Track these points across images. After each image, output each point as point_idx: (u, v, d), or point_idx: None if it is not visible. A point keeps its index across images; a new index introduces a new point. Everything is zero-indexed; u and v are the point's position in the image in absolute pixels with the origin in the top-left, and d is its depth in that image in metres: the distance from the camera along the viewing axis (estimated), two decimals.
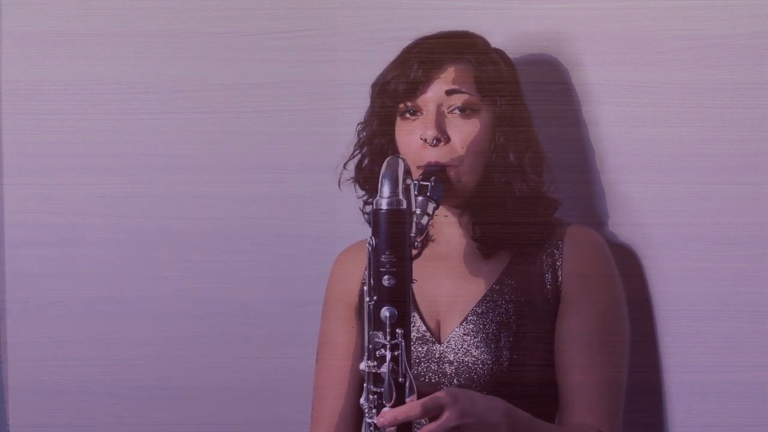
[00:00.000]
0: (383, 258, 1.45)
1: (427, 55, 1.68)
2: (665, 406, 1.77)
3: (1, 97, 1.99)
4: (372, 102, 1.75)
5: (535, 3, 1.85)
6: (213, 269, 2.02)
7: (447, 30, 1.74)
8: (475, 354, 1.66)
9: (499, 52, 1.74)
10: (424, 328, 1.71)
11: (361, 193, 1.80)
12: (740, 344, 1.70)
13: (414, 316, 1.71)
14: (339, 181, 1.80)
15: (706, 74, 1.71)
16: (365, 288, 1.48)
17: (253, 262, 2.02)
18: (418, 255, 1.76)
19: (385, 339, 1.45)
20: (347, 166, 1.79)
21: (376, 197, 1.48)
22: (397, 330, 1.45)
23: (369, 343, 1.46)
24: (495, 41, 1.80)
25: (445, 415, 1.42)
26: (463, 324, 1.69)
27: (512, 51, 1.85)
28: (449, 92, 1.66)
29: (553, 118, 1.84)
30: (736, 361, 1.71)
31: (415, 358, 1.69)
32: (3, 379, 2.00)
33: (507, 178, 1.68)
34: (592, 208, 1.82)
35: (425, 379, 1.68)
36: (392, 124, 1.72)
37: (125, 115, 2.00)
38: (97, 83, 2.00)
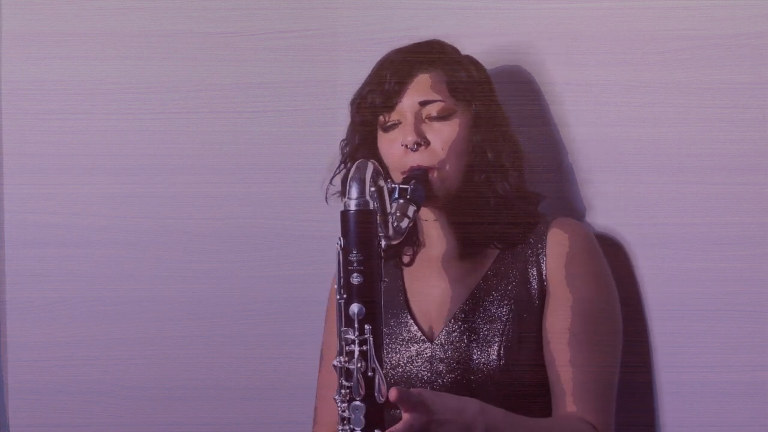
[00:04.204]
0: (351, 257, 1.48)
1: (398, 66, 1.71)
2: (665, 407, 1.77)
3: (1, 97, 1.99)
4: (352, 118, 1.77)
5: (534, 3, 1.85)
6: (213, 269, 2.02)
7: (434, 35, 1.76)
8: (465, 353, 1.68)
9: (469, 57, 1.77)
10: (415, 328, 1.73)
11: None
12: (740, 344, 1.70)
13: (407, 319, 1.74)
14: (326, 196, 1.81)
15: (706, 74, 1.71)
16: (335, 287, 1.50)
17: (253, 262, 2.02)
18: (411, 262, 1.79)
19: (354, 335, 1.47)
20: (333, 181, 1.80)
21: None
22: (366, 326, 1.47)
23: (340, 339, 1.48)
24: (495, 41, 1.81)
25: (408, 417, 1.44)
26: (451, 322, 1.71)
27: (512, 51, 1.85)
28: (423, 103, 1.69)
29: (552, 118, 1.84)
30: (736, 361, 1.71)
31: (409, 358, 1.71)
32: (3, 379, 2.00)
33: (487, 177, 1.71)
34: (591, 209, 1.82)
35: (417, 377, 1.70)
36: (374, 138, 1.75)
37: (125, 115, 2.00)
38: (97, 83, 2.00)
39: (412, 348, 1.72)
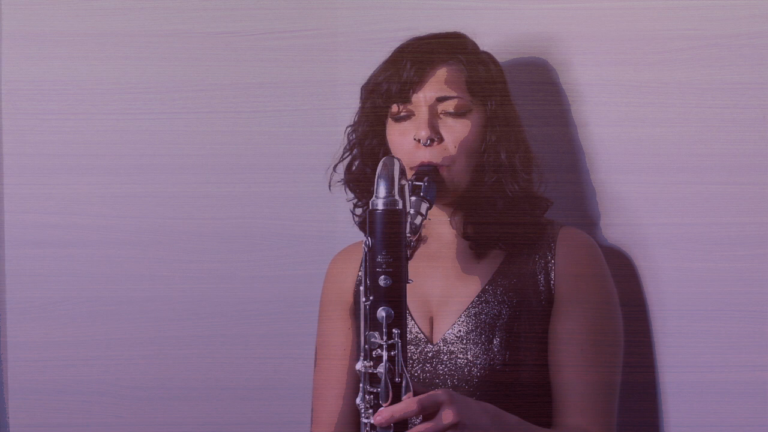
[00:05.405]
0: (379, 258, 1.45)
1: (419, 56, 1.68)
2: (666, 407, 1.77)
3: (1, 97, 1.99)
4: (363, 103, 1.76)
5: (534, 3, 1.85)
6: (213, 269, 2.02)
7: (439, 31, 1.74)
8: (467, 355, 1.67)
9: (488, 54, 1.75)
10: (416, 328, 1.71)
11: (351, 195, 1.80)
12: (740, 344, 1.70)
13: (408, 319, 1.71)
14: (329, 184, 1.81)
15: (706, 74, 1.72)
16: (361, 288, 1.48)
17: (253, 262, 2.02)
18: (410, 257, 1.76)
19: (382, 339, 1.45)
20: (337, 169, 1.80)
21: (369, 199, 1.49)
22: (394, 330, 1.45)
23: (365, 343, 1.46)
24: (495, 41, 1.81)
25: (443, 413, 1.42)
26: (456, 325, 1.69)
27: (512, 51, 1.85)
28: (440, 99, 1.67)
29: (553, 118, 1.84)
30: (736, 361, 1.71)
31: (409, 359, 1.69)
32: (3, 379, 2.00)
33: (498, 178, 1.69)
34: (589, 209, 1.82)
35: (418, 379, 1.69)
36: (383, 126, 1.73)
37: (125, 115, 2.00)
38: (97, 83, 2.00)
39: (412, 349, 1.71)
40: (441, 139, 1.67)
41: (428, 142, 1.66)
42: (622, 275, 1.76)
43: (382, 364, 1.44)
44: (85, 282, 2.01)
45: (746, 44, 1.69)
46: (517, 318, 1.67)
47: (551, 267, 1.69)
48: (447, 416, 1.42)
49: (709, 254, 1.72)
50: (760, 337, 1.69)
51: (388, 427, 1.43)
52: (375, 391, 1.45)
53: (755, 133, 1.69)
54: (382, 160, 1.50)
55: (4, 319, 2.00)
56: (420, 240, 1.78)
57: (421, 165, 1.66)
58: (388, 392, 1.43)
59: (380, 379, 1.44)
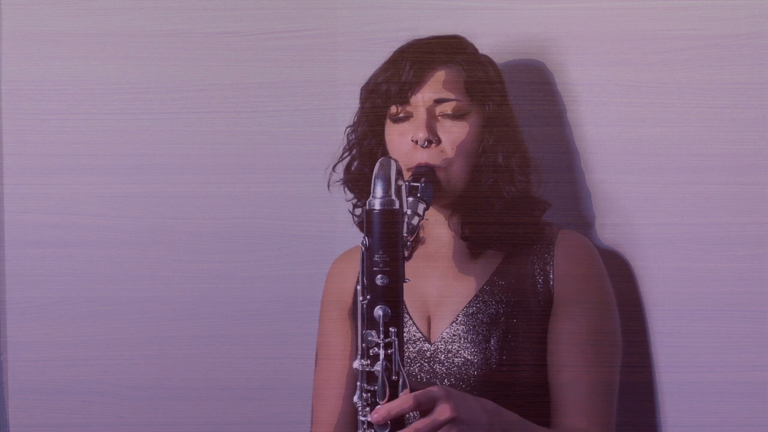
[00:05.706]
0: (376, 257, 1.46)
1: (418, 56, 1.69)
2: (665, 407, 1.77)
3: (1, 97, 1.99)
4: (362, 104, 1.76)
5: (534, 4, 1.85)
6: (213, 269, 2.02)
7: (438, 31, 1.75)
8: (465, 355, 1.67)
9: (486, 57, 1.76)
10: (414, 328, 1.72)
11: (350, 195, 1.80)
12: (740, 344, 1.70)
13: (406, 318, 1.72)
14: (328, 183, 1.81)
15: (706, 74, 1.72)
16: (358, 287, 1.49)
17: (253, 262, 2.02)
18: (409, 257, 1.76)
19: (379, 338, 1.46)
20: (336, 168, 1.80)
21: (366, 198, 1.50)
22: (391, 328, 1.46)
23: (362, 341, 1.47)
24: (495, 42, 1.81)
25: (439, 408, 1.42)
26: (454, 324, 1.69)
27: (512, 52, 1.85)
28: (438, 101, 1.67)
29: (553, 118, 1.84)
30: (736, 361, 1.71)
31: (406, 358, 1.70)
32: (3, 379, 2.00)
33: (495, 179, 1.70)
34: (589, 209, 1.82)
35: (416, 379, 1.69)
36: (382, 126, 1.73)
37: (125, 115, 2.00)
38: (97, 83, 2.00)
39: (410, 348, 1.71)
40: (438, 141, 1.67)
41: (426, 143, 1.66)
42: (622, 275, 1.77)
43: (379, 362, 1.45)
44: (85, 282, 2.01)
45: (746, 44, 1.69)
46: (515, 318, 1.68)
47: (550, 268, 1.69)
48: (443, 412, 1.42)
49: (709, 254, 1.72)
50: (760, 337, 1.69)
51: (385, 424, 1.44)
52: (372, 389, 1.46)
53: (755, 133, 1.69)
54: (379, 160, 1.51)
55: (4, 319, 2.00)
56: (418, 241, 1.78)
57: (419, 166, 1.66)
58: (385, 390, 1.44)
59: (377, 377, 1.45)
